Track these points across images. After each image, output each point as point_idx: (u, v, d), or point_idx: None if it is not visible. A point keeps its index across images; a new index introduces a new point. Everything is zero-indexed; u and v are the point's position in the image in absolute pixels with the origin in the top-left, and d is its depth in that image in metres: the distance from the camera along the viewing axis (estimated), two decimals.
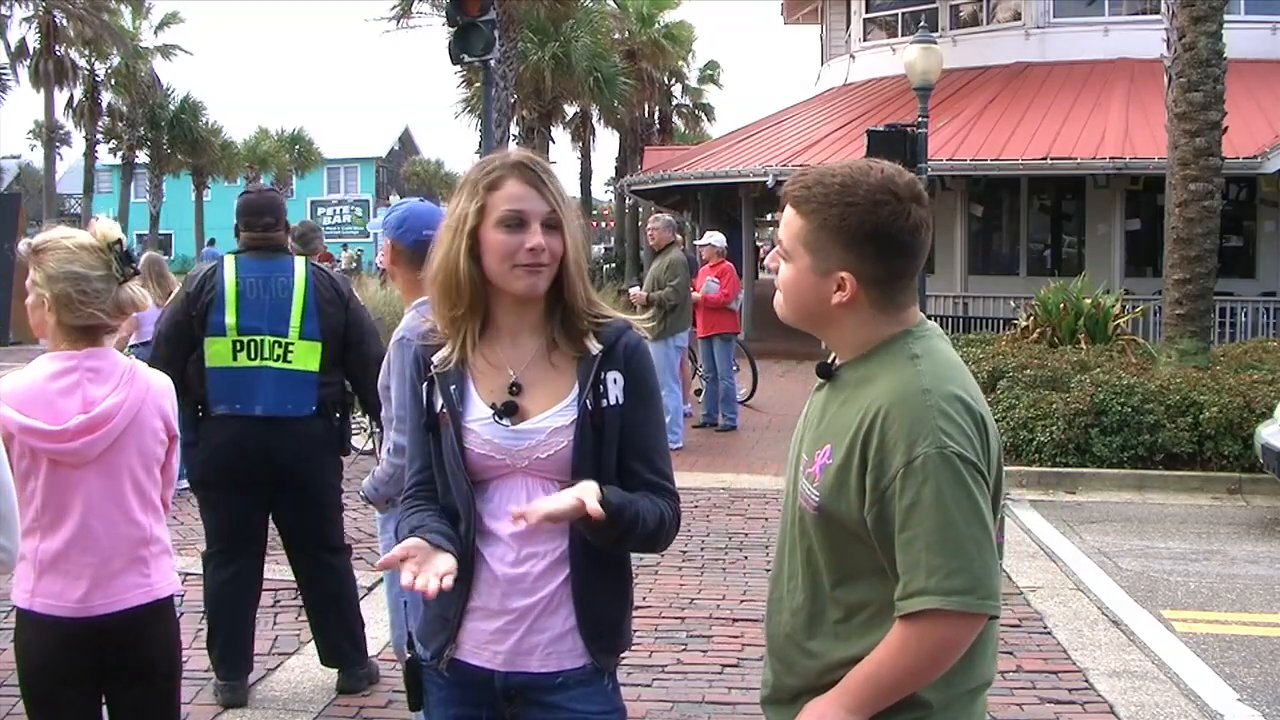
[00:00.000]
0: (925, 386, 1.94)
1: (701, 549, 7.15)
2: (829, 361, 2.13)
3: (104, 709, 2.98)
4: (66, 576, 2.82)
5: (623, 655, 2.37)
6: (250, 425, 4.48)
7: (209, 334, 4.47)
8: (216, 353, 4.44)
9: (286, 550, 4.81)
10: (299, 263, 4.64)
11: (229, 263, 4.59)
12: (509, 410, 2.23)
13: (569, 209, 2.26)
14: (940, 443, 1.89)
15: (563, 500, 2.08)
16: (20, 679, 2.90)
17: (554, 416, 2.23)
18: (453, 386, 2.26)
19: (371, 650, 5.19)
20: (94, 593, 2.83)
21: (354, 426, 9.16)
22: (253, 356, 4.48)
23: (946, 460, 1.88)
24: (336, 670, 4.79)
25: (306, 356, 4.55)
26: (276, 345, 4.51)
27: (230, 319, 4.47)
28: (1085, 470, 9.39)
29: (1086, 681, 5.04)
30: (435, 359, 2.29)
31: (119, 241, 2.86)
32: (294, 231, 10.08)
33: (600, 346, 2.25)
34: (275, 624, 5.56)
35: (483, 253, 2.22)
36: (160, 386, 2.99)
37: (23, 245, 2.90)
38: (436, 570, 2.07)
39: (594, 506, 2.05)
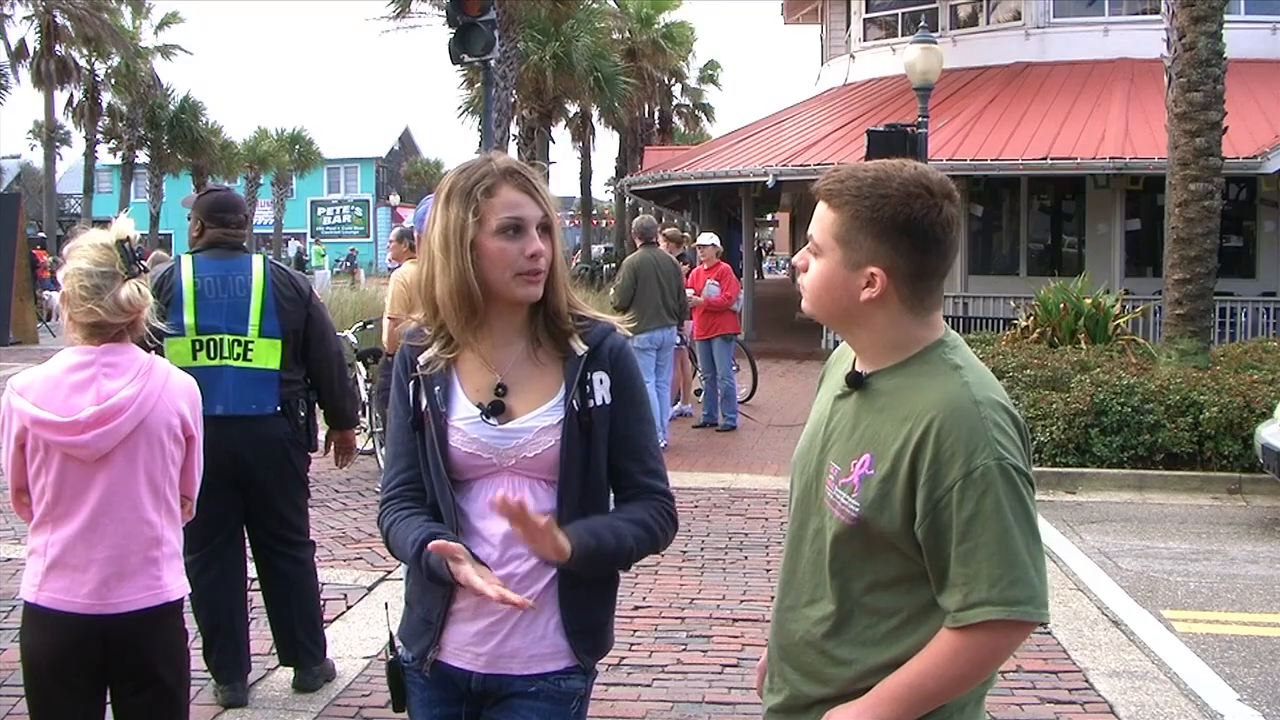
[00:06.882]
0: (976, 398, 1.94)
1: (701, 549, 7.15)
2: (858, 370, 2.08)
3: (108, 713, 2.96)
4: (75, 571, 2.80)
5: (608, 658, 2.37)
6: (212, 426, 4.42)
7: (168, 335, 4.40)
8: (176, 353, 4.36)
9: (251, 547, 4.75)
10: (257, 260, 4.61)
11: (185, 263, 4.55)
12: (496, 410, 2.23)
13: (555, 213, 2.28)
14: (998, 454, 1.89)
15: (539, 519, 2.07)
16: (24, 673, 2.89)
17: (541, 416, 2.23)
18: (438, 387, 2.26)
19: (372, 650, 5.20)
20: (102, 590, 2.81)
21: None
22: (212, 355, 4.45)
23: (1004, 472, 1.89)
24: (293, 670, 4.76)
25: (267, 354, 4.52)
26: (236, 344, 4.48)
27: (189, 319, 4.44)
28: (1085, 470, 9.39)
29: (1086, 681, 5.04)
30: (421, 359, 2.28)
31: (127, 239, 2.87)
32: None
33: (585, 347, 2.25)
34: None
35: (480, 260, 2.20)
36: (181, 384, 2.98)
37: (66, 250, 2.93)
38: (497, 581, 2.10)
39: (560, 546, 2.08)
